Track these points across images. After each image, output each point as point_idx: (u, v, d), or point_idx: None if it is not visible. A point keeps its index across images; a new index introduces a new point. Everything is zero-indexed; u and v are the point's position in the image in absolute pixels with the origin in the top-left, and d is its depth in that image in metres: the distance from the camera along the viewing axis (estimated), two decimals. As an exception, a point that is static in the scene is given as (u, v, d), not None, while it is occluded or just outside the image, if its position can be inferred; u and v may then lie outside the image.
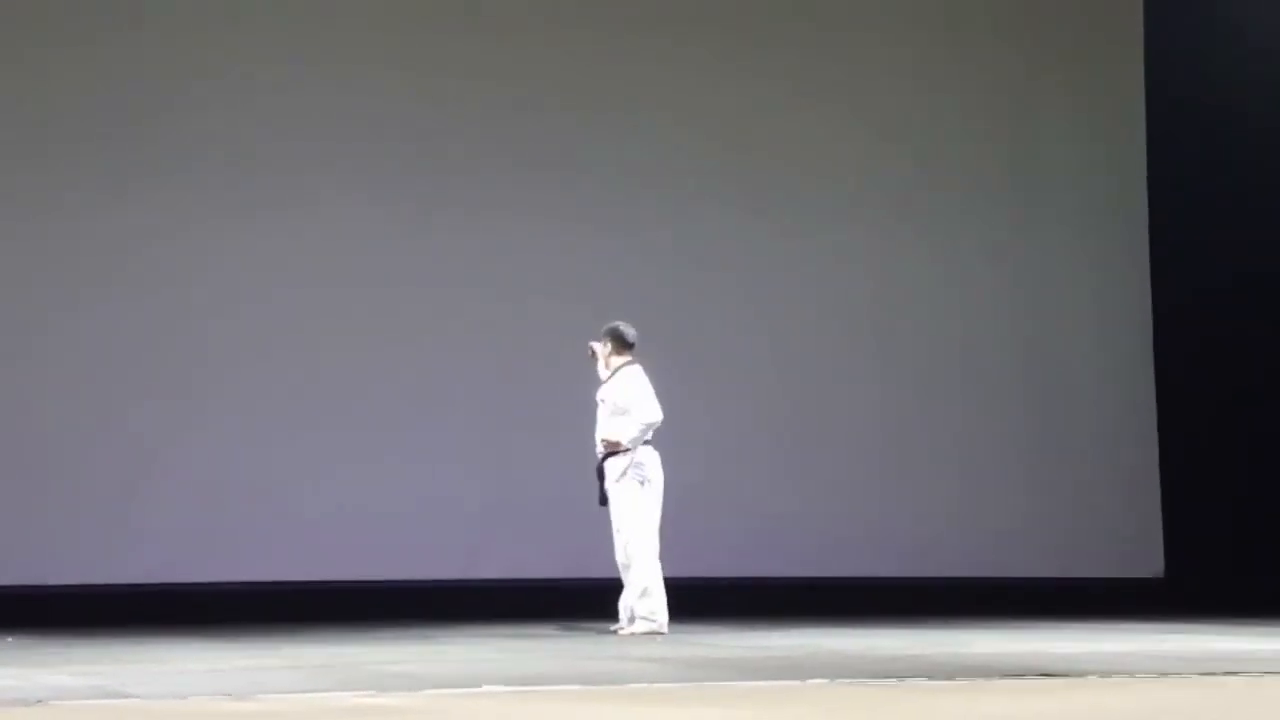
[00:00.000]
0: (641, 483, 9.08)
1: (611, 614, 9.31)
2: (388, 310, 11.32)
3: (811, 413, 12.09)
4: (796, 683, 6.14)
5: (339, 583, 10.98)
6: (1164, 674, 6.53)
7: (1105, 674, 6.44)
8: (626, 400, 9.14)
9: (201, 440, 10.89)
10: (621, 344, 9.32)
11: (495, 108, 11.63)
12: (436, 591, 11.03)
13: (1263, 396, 12.43)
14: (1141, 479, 12.71)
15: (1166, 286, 12.86)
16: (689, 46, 12.09)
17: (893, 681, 6.17)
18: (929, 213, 12.50)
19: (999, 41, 12.81)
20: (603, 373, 9.35)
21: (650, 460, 9.14)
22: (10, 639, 8.80)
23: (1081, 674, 6.43)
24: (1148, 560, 12.59)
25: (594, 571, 9.60)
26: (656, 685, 6.12)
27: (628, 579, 9.12)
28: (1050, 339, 12.78)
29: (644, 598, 9.02)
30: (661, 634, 8.94)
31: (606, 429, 9.17)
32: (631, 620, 9.08)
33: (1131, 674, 6.52)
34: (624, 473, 9.09)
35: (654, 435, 9.21)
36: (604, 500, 9.16)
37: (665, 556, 9.14)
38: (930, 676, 6.29)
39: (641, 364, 9.33)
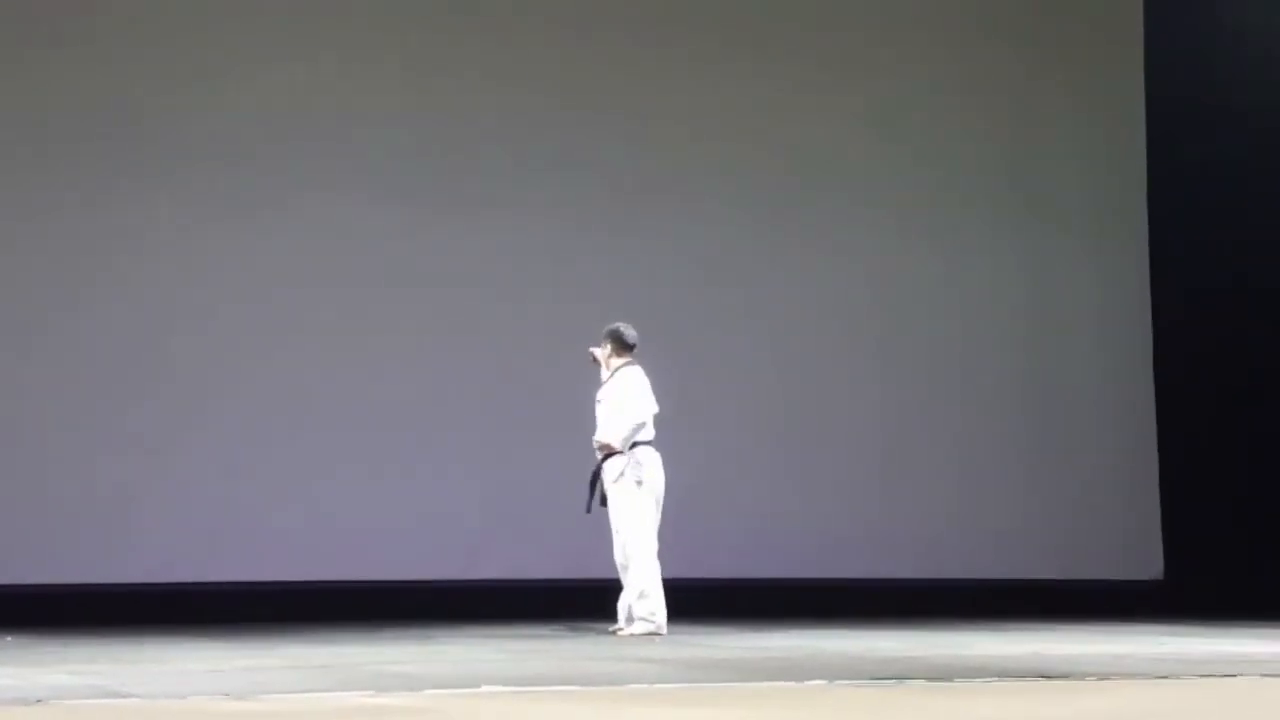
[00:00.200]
0: (639, 483, 9.08)
1: (611, 615, 9.31)
2: (389, 311, 11.32)
3: (811, 414, 12.10)
4: (795, 684, 6.14)
5: (338, 583, 10.97)
6: (1163, 676, 6.54)
7: (1104, 676, 6.45)
8: (621, 401, 9.14)
9: (201, 440, 10.89)
10: (621, 345, 9.33)
11: (495, 109, 11.63)
12: (436, 592, 11.04)
13: (1262, 398, 12.43)
14: (1141, 481, 12.71)
15: (1166, 288, 12.87)
16: (691, 48, 12.09)
17: (892, 683, 6.17)
18: (929, 214, 12.51)
19: (1000, 43, 12.82)
20: (604, 375, 9.36)
21: (648, 461, 9.14)
22: (9, 638, 8.80)
23: (1080, 676, 6.43)
24: (1147, 562, 12.60)
25: (593, 572, 9.60)
26: (656, 686, 6.12)
27: (626, 580, 9.12)
28: (1050, 340, 12.78)
29: (642, 599, 9.02)
30: (660, 635, 8.95)
31: (600, 431, 9.18)
32: (630, 621, 9.08)
33: (1130, 676, 6.52)
34: (621, 473, 9.09)
35: (655, 436, 9.22)
36: (591, 508, 9.16)
37: (665, 557, 9.14)
38: (929, 678, 6.30)
39: (643, 365, 9.33)
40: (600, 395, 9.30)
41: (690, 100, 12.02)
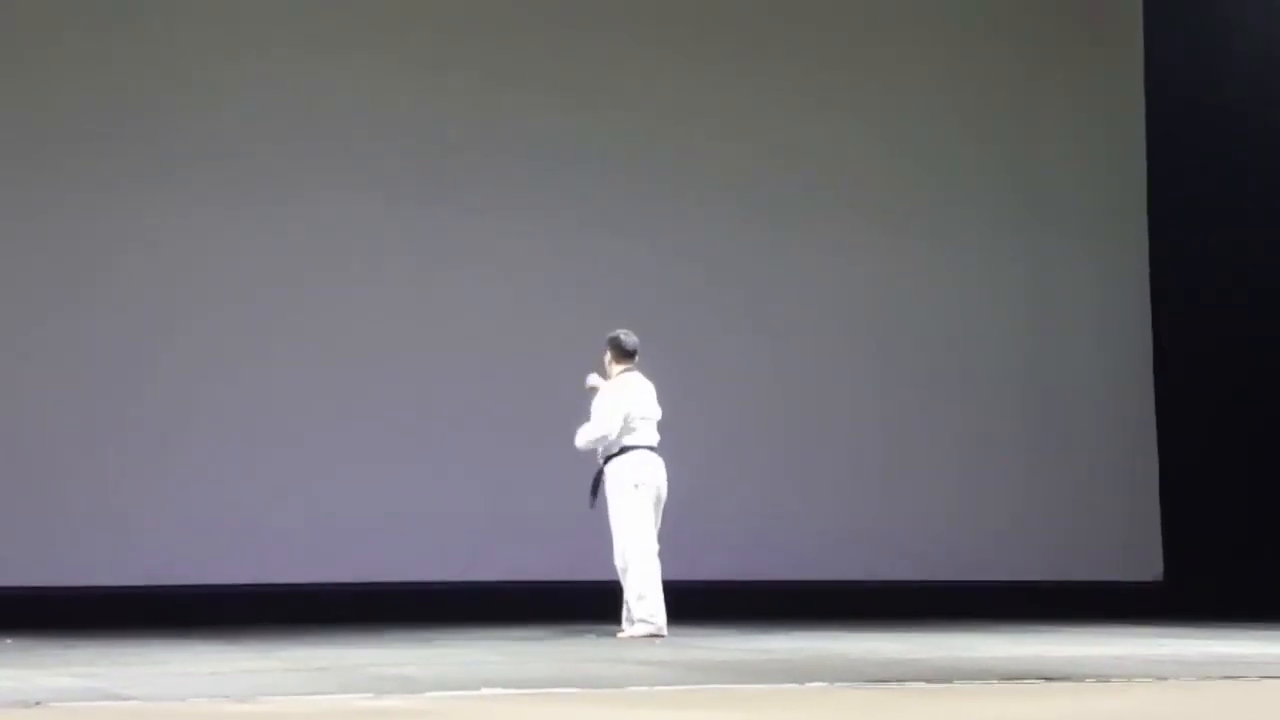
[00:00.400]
0: (635, 486, 9.10)
1: (611, 617, 9.33)
2: (389, 314, 11.33)
3: (811, 414, 12.10)
4: (796, 686, 6.14)
5: (339, 585, 10.97)
6: (1163, 678, 6.53)
7: (1104, 677, 6.45)
8: (595, 409, 9.21)
9: (201, 443, 10.89)
10: (619, 352, 9.37)
11: (496, 113, 11.62)
12: (436, 594, 11.03)
13: (1262, 399, 12.43)
14: (1140, 482, 12.72)
15: (1166, 288, 12.87)
16: (691, 48, 12.10)
17: (893, 685, 6.17)
18: (929, 214, 12.51)
19: (999, 43, 12.83)
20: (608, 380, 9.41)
21: (644, 464, 9.15)
22: (9, 640, 8.79)
23: (1080, 677, 6.43)
24: (1147, 563, 12.60)
25: (594, 575, 9.60)
26: (657, 688, 6.12)
27: (625, 582, 9.13)
28: (1049, 341, 12.79)
29: (641, 600, 9.03)
30: (660, 636, 8.95)
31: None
32: (631, 623, 9.08)
33: (1130, 678, 6.52)
34: (617, 477, 9.11)
35: (658, 440, 9.24)
36: (593, 505, 9.21)
37: (666, 559, 9.16)
38: (930, 680, 6.30)
39: (647, 367, 9.35)
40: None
41: (689, 100, 12.02)
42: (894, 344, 12.36)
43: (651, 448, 9.24)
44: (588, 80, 11.86)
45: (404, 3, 11.63)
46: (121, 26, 11.01)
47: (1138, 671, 6.76)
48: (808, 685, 6.13)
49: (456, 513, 11.21)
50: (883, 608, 11.29)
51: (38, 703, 5.46)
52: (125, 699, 5.74)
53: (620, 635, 9.07)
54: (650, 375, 9.35)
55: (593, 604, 9.66)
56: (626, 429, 9.24)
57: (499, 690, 5.88)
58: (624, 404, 9.22)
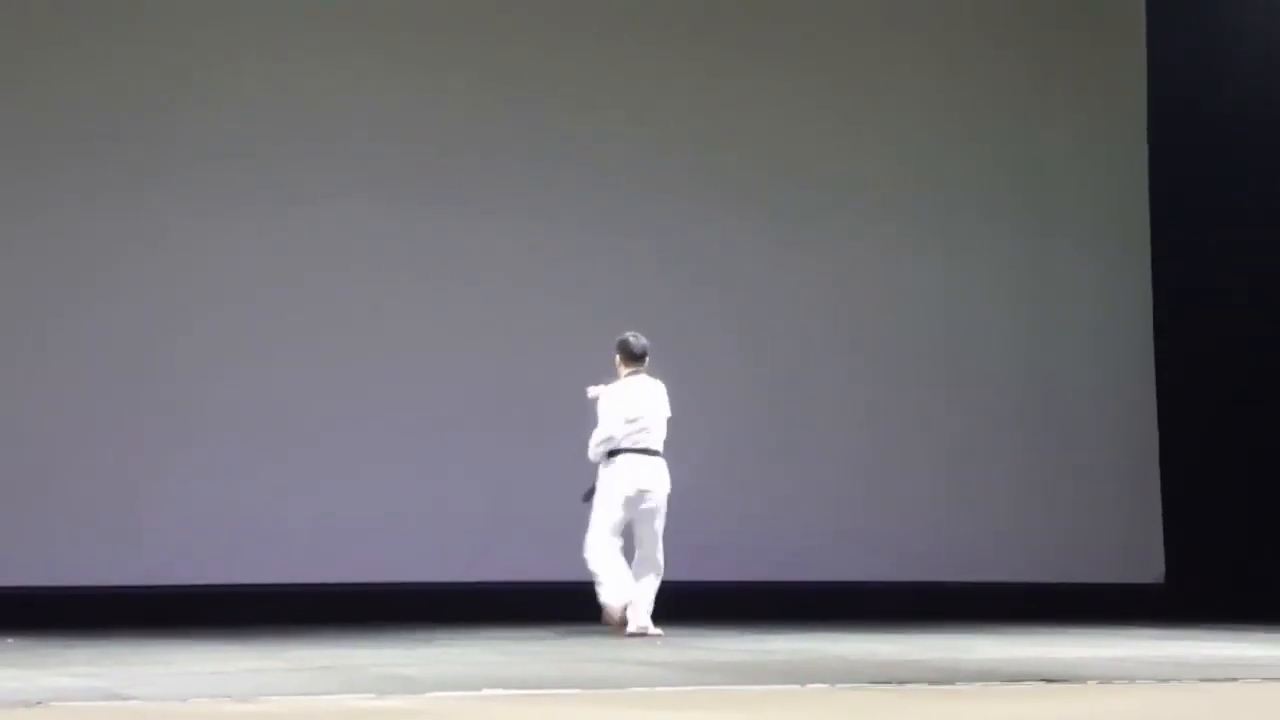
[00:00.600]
0: (618, 491, 9.26)
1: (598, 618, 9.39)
2: (391, 315, 11.33)
3: (812, 416, 12.09)
4: (797, 687, 6.14)
5: (341, 585, 10.97)
6: (1164, 679, 6.53)
7: (1106, 679, 6.44)
8: (599, 414, 9.33)
9: (203, 442, 10.89)
10: (626, 355, 9.44)
11: (498, 115, 11.62)
12: (438, 595, 11.03)
13: (1263, 401, 12.43)
14: (1142, 483, 12.71)
15: (1168, 290, 12.87)
16: (693, 52, 12.10)
17: (893, 686, 6.17)
18: (932, 219, 12.51)
19: (1001, 45, 12.83)
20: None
21: (631, 468, 9.27)
22: (11, 640, 8.79)
23: (1082, 679, 6.43)
24: (1148, 565, 12.59)
25: (595, 575, 9.68)
26: (657, 689, 6.12)
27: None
28: (1051, 342, 12.78)
29: (599, 586, 9.22)
30: (613, 621, 9.14)
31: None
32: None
33: (1132, 679, 6.52)
34: (603, 480, 9.32)
35: (653, 442, 9.30)
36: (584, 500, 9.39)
37: (668, 560, 9.25)
38: (931, 681, 6.30)
39: (654, 371, 9.41)
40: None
41: (689, 103, 12.02)
42: (894, 344, 12.35)
43: (647, 451, 9.26)
44: (587, 82, 11.86)
45: (405, 5, 11.62)
46: (122, 27, 11.00)
47: (1139, 673, 6.76)
48: (808, 686, 6.13)
49: (458, 513, 11.21)
50: (883, 609, 11.28)
51: (39, 702, 5.46)
52: (127, 699, 5.74)
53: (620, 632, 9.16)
54: (655, 372, 9.39)
55: (594, 605, 9.66)
56: (621, 433, 9.30)
57: (500, 691, 5.89)
58: (621, 408, 9.26)
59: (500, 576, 11.16)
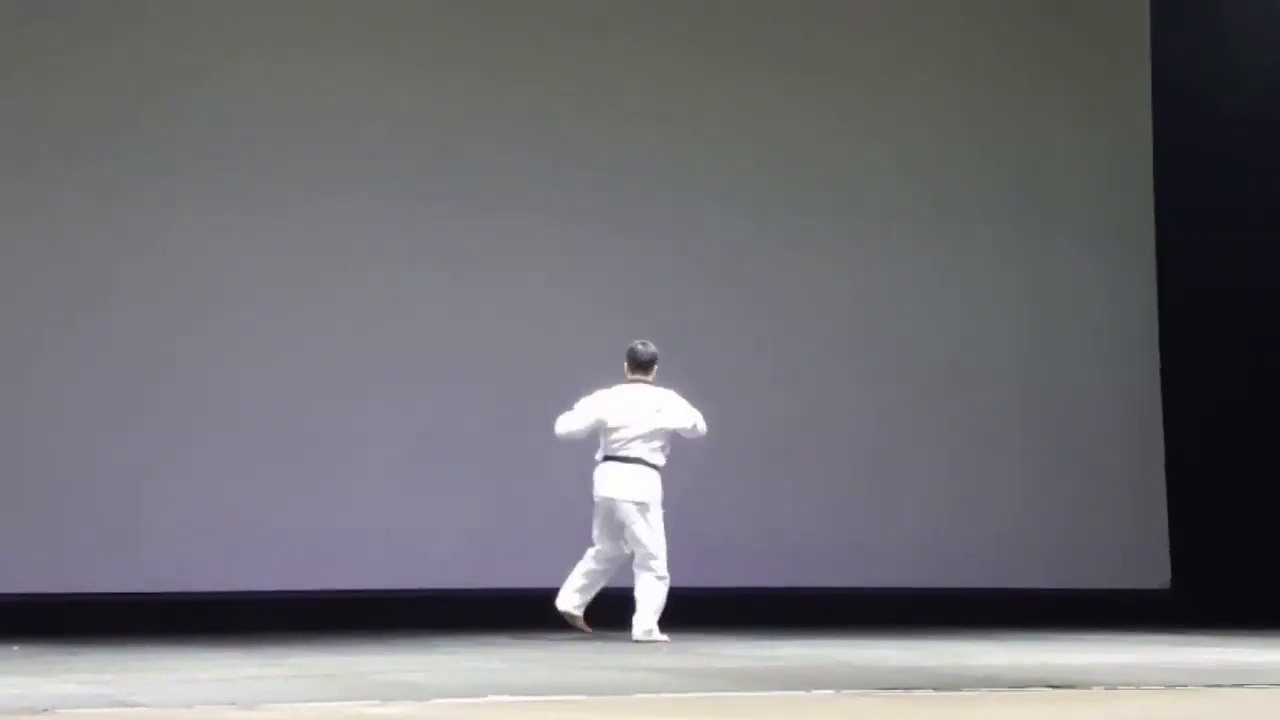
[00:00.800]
0: (594, 500, 9.52)
1: (618, 624, 9.36)
2: (395, 320, 11.33)
3: (816, 421, 12.08)
4: (803, 693, 6.13)
5: (345, 592, 10.97)
6: (1171, 685, 6.52)
7: (1112, 685, 6.43)
8: None
9: (207, 448, 10.89)
10: (631, 363, 9.52)
11: (502, 116, 11.62)
12: (442, 601, 11.03)
13: (1270, 404, 12.41)
14: (1147, 488, 12.69)
15: (1173, 291, 12.86)
16: (693, 54, 12.09)
17: (899, 692, 6.16)
18: (935, 221, 12.50)
19: (1004, 47, 12.82)
20: None
21: (603, 477, 9.45)
22: (15, 647, 8.79)
23: (1088, 685, 6.41)
24: (1154, 571, 12.57)
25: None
26: (662, 695, 6.11)
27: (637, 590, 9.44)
28: (1056, 348, 12.77)
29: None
30: (582, 631, 9.42)
31: None
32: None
33: (1138, 685, 6.50)
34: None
35: (636, 452, 9.42)
36: None
37: (673, 566, 9.33)
38: (936, 687, 6.28)
39: (658, 382, 9.46)
40: None
41: (689, 105, 12.01)
42: (897, 349, 12.34)
43: (624, 459, 9.31)
44: (589, 83, 11.85)
45: (407, 5, 11.61)
46: (124, 28, 11.01)
47: (1146, 679, 6.75)
48: (814, 692, 6.12)
49: (463, 519, 11.21)
50: (888, 615, 11.26)
51: (44, 710, 5.45)
52: (132, 705, 5.73)
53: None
54: (662, 380, 9.43)
55: (599, 612, 9.66)
56: (605, 440, 9.33)
57: (504, 697, 5.88)
58: (592, 410, 9.34)
59: (505, 583, 11.15)
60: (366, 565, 11.01)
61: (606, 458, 9.43)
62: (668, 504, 9.51)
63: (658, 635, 9.21)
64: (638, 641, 9.14)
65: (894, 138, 12.49)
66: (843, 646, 8.97)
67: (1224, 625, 10.78)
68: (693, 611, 9.67)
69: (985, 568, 12.15)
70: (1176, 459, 12.69)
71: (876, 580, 11.88)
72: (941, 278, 12.47)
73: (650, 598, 9.31)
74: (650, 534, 9.33)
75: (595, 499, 9.46)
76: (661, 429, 9.43)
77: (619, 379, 9.62)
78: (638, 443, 9.37)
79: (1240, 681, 6.68)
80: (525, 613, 10.21)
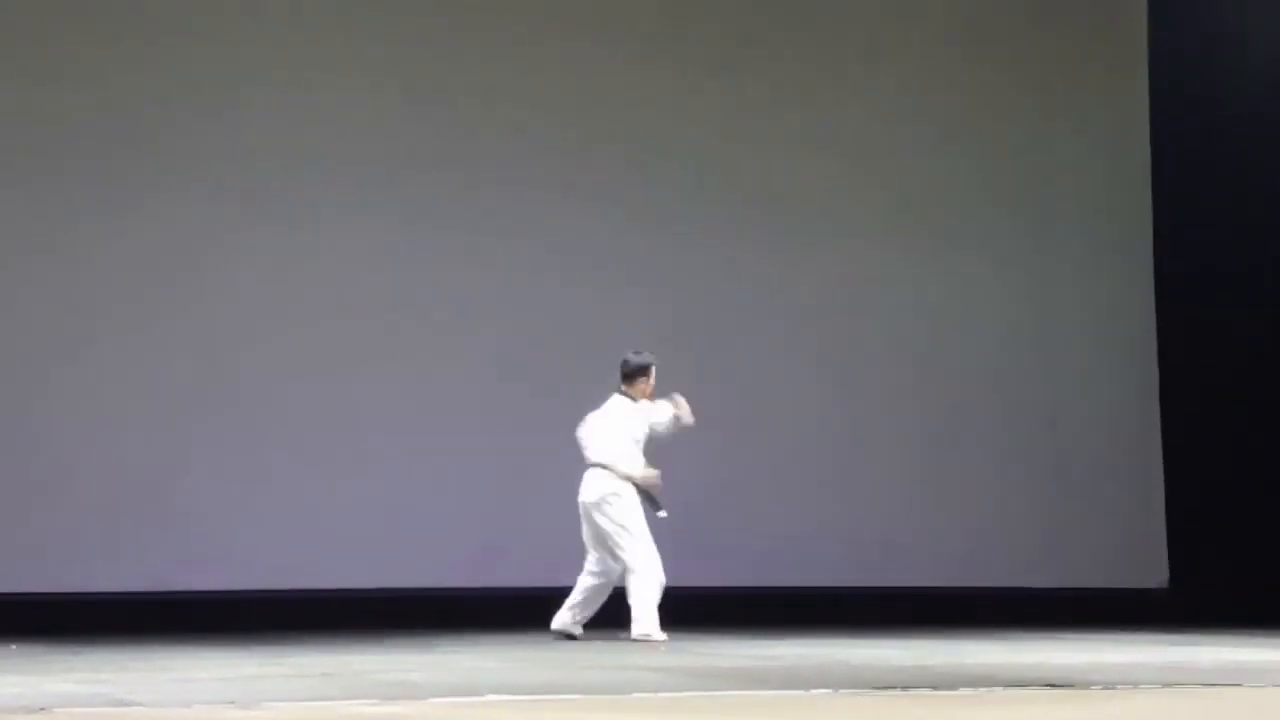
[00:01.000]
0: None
1: (615, 624, 9.37)
2: (396, 321, 11.34)
3: (815, 422, 12.09)
4: (801, 693, 6.13)
5: (344, 591, 10.98)
6: (1169, 684, 6.52)
7: (1110, 685, 6.43)
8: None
9: (206, 449, 10.89)
10: (621, 374, 9.51)
11: (500, 119, 11.63)
12: (441, 600, 11.04)
13: (1269, 403, 12.42)
14: (1146, 488, 12.70)
15: (1172, 293, 12.86)
16: (695, 56, 12.12)
17: (898, 691, 6.16)
18: (935, 221, 12.50)
19: (1003, 48, 12.82)
20: None
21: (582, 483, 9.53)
22: (14, 646, 8.79)
23: (1086, 685, 6.41)
24: (1152, 570, 12.58)
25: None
26: (660, 695, 6.11)
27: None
28: (1055, 348, 12.78)
29: None
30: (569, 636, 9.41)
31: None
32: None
33: (1136, 685, 6.50)
34: None
35: (595, 459, 9.52)
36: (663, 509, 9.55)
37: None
38: (934, 687, 6.28)
39: (639, 390, 9.56)
40: None
41: (691, 105, 12.02)
42: (898, 350, 12.35)
43: (593, 464, 9.46)
44: (578, 96, 11.85)
45: (411, 17, 11.62)
46: (128, 37, 11.03)
47: (1144, 678, 6.75)
48: (813, 692, 6.12)
49: (461, 519, 11.21)
50: (887, 614, 11.27)
51: (43, 709, 5.45)
52: (130, 705, 5.74)
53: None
54: (660, 380, 9.51)
55: (598, 611, 9.66)
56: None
57: (502, 696, 5.88)
58: (591, 421, 9.53)
59: (503, 583, 11.15)
60: (365, 565, 11.01)
61: (592, 464, 9.56)
62: (670, 504, 9.50)
63: (655, 635, 9.20)
64: (635, 640, 9.15)
65: (893, 137, 12.49)
66: (841, 646, 8.97)
67: (1222, 624, 10.79)
68: (691, 611, 9.67)
69: (983, 567, 12.15)
70: (1175, 458, 12.70)
71: (875, 580, 11.89)
72: (941, 277, 12.47)
73: (633, 596, 9.31)
74: (613, 527, 9.37)
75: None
76: (617, 432, 9.43)
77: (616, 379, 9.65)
78: (595, 448, 9.43)
79: (1238, 680, 6.68)
80: (524, 612, 10.21)
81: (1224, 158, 12.67)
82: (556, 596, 9.68)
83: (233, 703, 5.68)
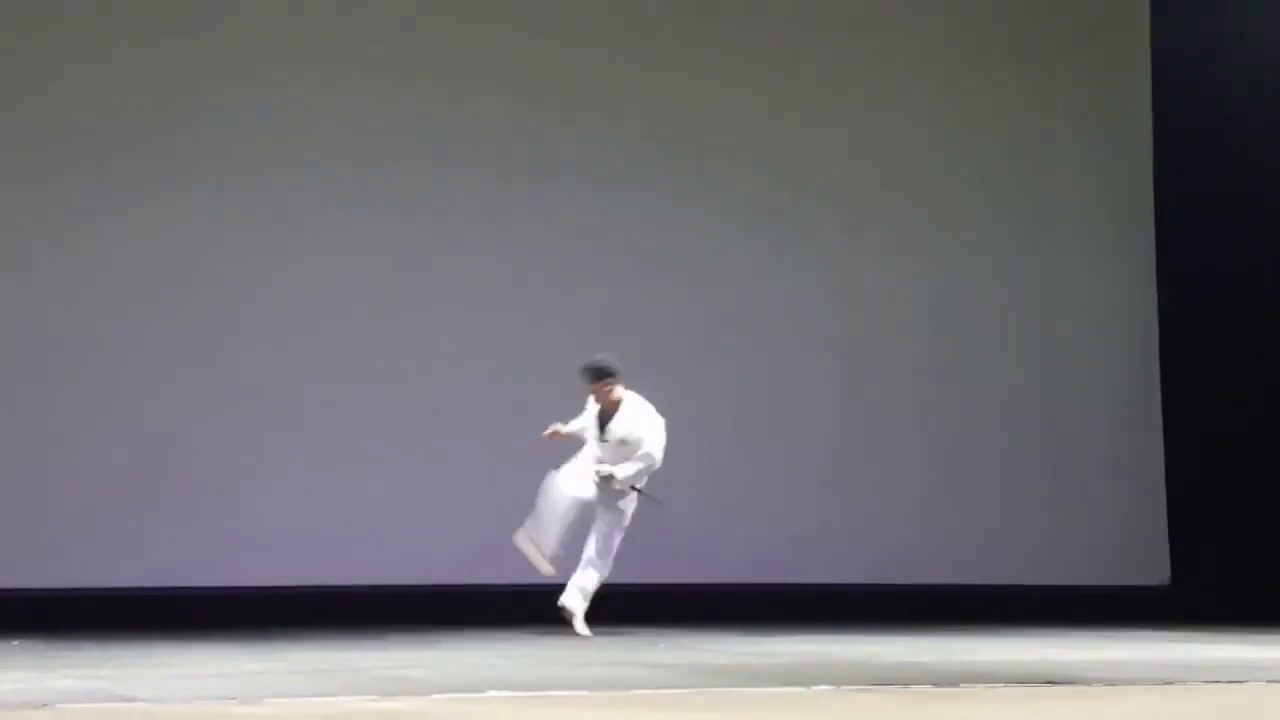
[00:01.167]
0: None
1: (617, 619, 9.37)
2: (394, 317, 11.33)
3: (813, 419, 12.07)
4: (802, 689, 6.14)
5: (345, 587, 10.98)
6: (1169, 682, 6.52)
7: (1111, 682, 6.44)
8: None
9: (207, 445, 10.89)
10: (595, 376, 9.63)
11: (498, 123, 11.60)
12: (442, 596, 11.03)
13: (1269, 401, 12.41)
14: (1147, 485, 12.69)
15: (1172, 292, 12.86)
16: (692, 55, 12.08)
17: (898, 688, 6.17)
18: (937, 222, 12.48)
19: (1004, 48, 12.80)
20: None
21: None
22: (15, 642, 8.80)
23: (1087, 681, 6.42)
24: (1153, 567, 12.57)
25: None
26: (662, 691, 6.12)
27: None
28: (1054, 343, 12.77)
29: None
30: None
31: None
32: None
33: (1136, 682, 6.51)
34: None
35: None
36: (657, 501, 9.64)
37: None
38: (935, 683, 6.29)
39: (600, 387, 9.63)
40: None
41: (688, 106, 12.00)
42: (897, 348, 12.33)
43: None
44: (577, 88, 11.80)
45: (412, 17, 11.61)
46: (133, 37, 11.02)
47: (1145, 675, 6.75)
48: (814, 689, 6.12)
49: (461, 515, 11.20)
50: (887, 611, 11.26)
51: (44, 705, 5.46)
52: (131, 700, 5.74)
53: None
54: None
55: (598, 608, 9.67)
56: None
57: (504, 693, 5.88)
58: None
59: (504, 579, 11.14)
60: (365, 561, 11.01)
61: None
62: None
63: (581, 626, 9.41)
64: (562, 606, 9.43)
65: (892, 137, 12.46)
66: (841, 642, 8.97)
67: (1223, 622, 10.79)
68: (692, 608, 9.68)
69: (984, 564, 12.14)
70: (1176, 457, 12.69)
71: (875, 577, 11.88)
72: (940, 276, 12.45)
73: (587, 582, 9.56)
74: (615, 516, 9.61)
75: None
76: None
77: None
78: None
79: (1238, 678, 6.68)
80: (525, 609, 10.21)
81: (1226, 157, 12.65)
82: (557, 593, 9.69)
83: (233, 699, 5.69)
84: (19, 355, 10.69)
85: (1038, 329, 12.75)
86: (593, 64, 11.91)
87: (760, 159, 12.09)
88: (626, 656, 7.94)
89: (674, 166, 11.93)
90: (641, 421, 9.43)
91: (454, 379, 11.39)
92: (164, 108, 11.01)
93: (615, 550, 9.53)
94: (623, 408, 9.48)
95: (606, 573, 9.54)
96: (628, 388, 9.60)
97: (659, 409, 9.61)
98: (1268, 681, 6.59)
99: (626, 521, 9.58)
